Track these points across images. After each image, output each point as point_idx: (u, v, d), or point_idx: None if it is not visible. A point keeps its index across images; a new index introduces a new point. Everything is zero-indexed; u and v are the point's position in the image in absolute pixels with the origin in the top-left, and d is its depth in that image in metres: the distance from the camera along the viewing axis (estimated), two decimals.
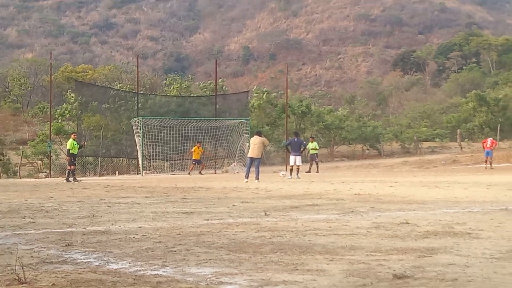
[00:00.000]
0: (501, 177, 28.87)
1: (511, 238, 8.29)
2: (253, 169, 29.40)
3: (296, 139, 34.47)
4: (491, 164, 43.60)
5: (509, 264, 6.31)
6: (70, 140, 33.38)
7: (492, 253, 7.01)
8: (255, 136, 30.22)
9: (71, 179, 31.87)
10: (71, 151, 32.98)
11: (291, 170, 33.54)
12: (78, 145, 33.96)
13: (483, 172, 37.63)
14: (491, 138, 46.91)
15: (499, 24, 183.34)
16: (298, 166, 33.32)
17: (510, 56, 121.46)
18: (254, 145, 29.50)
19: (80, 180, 32.27)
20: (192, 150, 43.94)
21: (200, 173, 43.22)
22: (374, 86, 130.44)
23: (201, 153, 44.17)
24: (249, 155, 29.93)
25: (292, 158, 33.56)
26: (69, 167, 33.02)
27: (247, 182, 27.47)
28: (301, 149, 34.77)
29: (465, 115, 77.57)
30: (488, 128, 72.19)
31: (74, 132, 36.91)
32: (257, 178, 28.75)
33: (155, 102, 57.95)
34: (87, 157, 50.13)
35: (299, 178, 31.59)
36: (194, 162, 43.83)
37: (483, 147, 45.59)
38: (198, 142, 44.50)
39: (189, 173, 42.93)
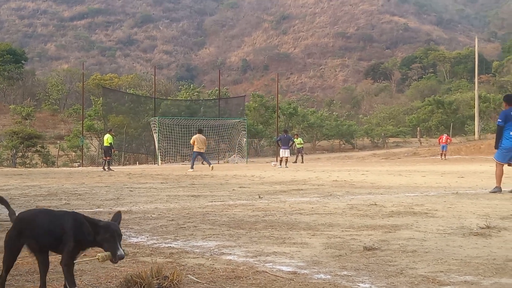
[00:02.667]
0: (453, 167, 28.93)
1: (461, 216, 8.30)
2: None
3: (285, 136, 34.89)
4: (445, 156, 43.68)
5: (459, 238, 6.32)
6: (109, 135, 33.01)
7: (445, 229, 7.02)
8: (198, 135, 29.97)
9: (106, 167, 31.59)
10: (112, 144, 32.83)
11: (281, 160, 33.66)
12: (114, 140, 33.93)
13: (439, 162, 37.67)
14: (445, 135, 46.96)
15: (452, 41, 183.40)
16: (287, 157, 33.49)
17: (461, 67, 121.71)
18: (201, 141, 29.36)
19: (114, 170, 31.39)
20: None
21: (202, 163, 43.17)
22: (349, 92, 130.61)
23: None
24: (202, 150, 29.57)
25: (282, 151, 33.90)
26: (106, 158, 32.67)
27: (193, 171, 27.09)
28: (290, 144, 34.82)
29: (424, 116, 77.71)
30: (443, 127, 72.34)
31: (111, 129, 36.62)
32: (192, 168, 28.19)
33: (168, 105, 57.87)
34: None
35: (287, 167, 31.67)
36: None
37: (439, 142, 45.69)
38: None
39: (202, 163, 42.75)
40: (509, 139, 12.94)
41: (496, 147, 13.27)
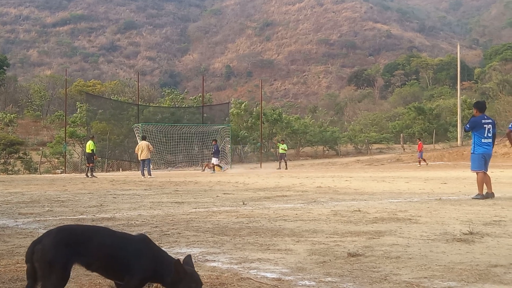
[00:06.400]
0: (436, 173, 29.06)
1: (444, 222, 8.34)
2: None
3: (216, 146, 38.58)
4: (425, 161, 43.73)
5: (442, 244, 6.35)
6: (91, 142, 32.93)
7: (428, 235, 7.05)
8: (141, 141, 31.38)
9: (89, 174, 31.50)
10: (94, 151, 32.69)
11: (213, 167, 37.40)
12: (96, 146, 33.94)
13: (422, 168, 37.81)
14: (419, 141, 46.68)
15: (434, 48, 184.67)
16: (215, 164, 37.52)
17: (443, 74, 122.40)
18: (142, 149, 30.23)
19: (97, 176, 31.41)
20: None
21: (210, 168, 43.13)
22: (333, 98, 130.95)
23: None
24: (141, 158, 30.47)
25: (214, 160, 37.90)
26: (88, 164, 32.67)
27: (145, 178, 28.17)
28: (219, 153, 39.34)
29: (407, 122, 78.03)
30: (426, 133, 72.68)
31: (93, 136, 36.41)
32: (150, 174, 29.53)
33: (151, 111, 57.76)
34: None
35: (214, 172, 35.72)
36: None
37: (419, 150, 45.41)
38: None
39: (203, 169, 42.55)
40: (481, 146, 13.17)
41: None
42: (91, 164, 32.52)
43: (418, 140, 48.74)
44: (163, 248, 5.71)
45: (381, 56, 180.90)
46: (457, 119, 61.61)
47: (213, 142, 39.30)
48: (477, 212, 9.82)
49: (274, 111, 70.07)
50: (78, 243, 3.44)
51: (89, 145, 32.79)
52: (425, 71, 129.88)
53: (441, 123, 75.76)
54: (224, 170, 38.43)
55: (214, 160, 37.77)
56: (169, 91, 77.68)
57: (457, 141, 60.35)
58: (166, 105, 65.24)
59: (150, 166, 30.56)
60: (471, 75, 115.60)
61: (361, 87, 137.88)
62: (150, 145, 31.29)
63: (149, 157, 30.57)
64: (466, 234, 6.99)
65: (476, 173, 13.29)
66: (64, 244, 3.39)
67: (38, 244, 3.39)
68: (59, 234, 3.46)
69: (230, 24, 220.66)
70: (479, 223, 8.21)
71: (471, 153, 13.48)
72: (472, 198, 12.84)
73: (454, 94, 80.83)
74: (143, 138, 31.80)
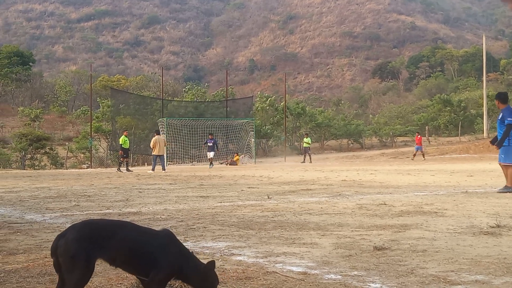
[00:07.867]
0: (461, 166, 28.84)
1: (470, 215, 8.28)
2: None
3: (212, 140, 37.66)
4: (423, 155, 43.10)
5: (469, 237, 6.31)
6: (122, 137, 33.00)
7: (455, 228, 7.00)
8: (157, 136, 31.18)
9: (123, 169, 31.54)
10: (123, 146, 32.65)
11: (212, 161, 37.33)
12: (129, 141, 34.01)
13: (421, 162, 37.23)
14: (418, 135, 45.57)
15: (459, 39, 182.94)
16: (212, 158, 37.31)
17: (469, 65, 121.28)
18: (159, 144, 30.43)
19: (132, 171, 31.39)
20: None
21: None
22: (357, 91, 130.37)
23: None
24: (160, 153, 30.59)
25: (208, 153, 37.65)
26: (121, 159, 32.75)
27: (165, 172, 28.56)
28: (215, 147, 37.91)
29: (432, 115, 77.46)
30: (452, 125, 72.11)
31: (126, 130, 36.43)
32: (153, 170, 29.58)
33: (175, 106, 57.94)
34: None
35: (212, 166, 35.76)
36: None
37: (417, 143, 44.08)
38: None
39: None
40: None
41: (500, 146, 12.86)
42: (122, 159, 32.52)
43: (417, 133, 47.87)
44: (188, 242, 5.76)
45: (405, 48, 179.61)
46: (483, 111, 61.06)
47: (209, 136, 38.37)
48: (504, 205, 9.74)
49: (297, 104, 69.96)
50: (102, 237, 3.43)
51: (121, 140, 32.96)
52: (450, 62, 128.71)
53: (466, 115, 75.11)
54: (211, 167, 37.96)
55: (211, 154, 37.18)
56: (189, 86, 77.81)
57: (483, 133, 59.84)
58: (190, 100, 65.44)
59: (155, 162, 30.61)
60: (496, 66, 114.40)
61: (386, 80, 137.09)
62: (165, 140, 31.41)
63: (162, 153, 30.65)
64: (493, 227, 6.94)
65: (504, 165, 12.93)
66: (87, 239, 3.38)
67: (62, 239, 3.39)
68: (83, 228, 3.46)
69: (253, 17, 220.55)
70: (506, 216, 8.14)
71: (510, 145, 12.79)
72: (499, 191, 12.61)
73: (480, 86, 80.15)
74: (157, 133, 31.85)
